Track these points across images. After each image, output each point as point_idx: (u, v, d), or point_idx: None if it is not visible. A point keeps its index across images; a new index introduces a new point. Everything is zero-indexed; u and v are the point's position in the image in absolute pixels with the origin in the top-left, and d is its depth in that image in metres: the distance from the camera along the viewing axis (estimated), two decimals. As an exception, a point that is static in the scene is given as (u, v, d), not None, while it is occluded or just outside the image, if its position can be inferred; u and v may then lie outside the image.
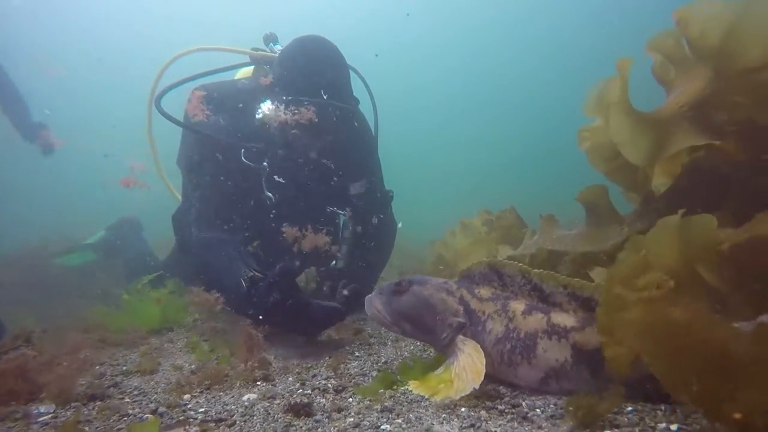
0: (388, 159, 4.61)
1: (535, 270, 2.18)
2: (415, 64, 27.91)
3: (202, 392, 2.26)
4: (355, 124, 4.20)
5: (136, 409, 2.02)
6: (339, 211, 4.14)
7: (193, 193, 3.84)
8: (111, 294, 4.89)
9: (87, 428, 1.81)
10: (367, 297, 2.42)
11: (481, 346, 2.11)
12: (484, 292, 2.26)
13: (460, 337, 2.18)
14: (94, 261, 5.75)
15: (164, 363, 2.82)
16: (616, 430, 1.63)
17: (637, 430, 1.62)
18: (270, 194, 3.74)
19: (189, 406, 2.07)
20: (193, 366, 2.73)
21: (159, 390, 2.29)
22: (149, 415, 1.96)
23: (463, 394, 1.93)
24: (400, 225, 4.68)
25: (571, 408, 1.68)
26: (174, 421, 1.80)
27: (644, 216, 3.05)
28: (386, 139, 4.60)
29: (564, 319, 2.05)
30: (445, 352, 2.26)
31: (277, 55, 4.21)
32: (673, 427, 1.60)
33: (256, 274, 2.95)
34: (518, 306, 2.14)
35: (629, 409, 1.83)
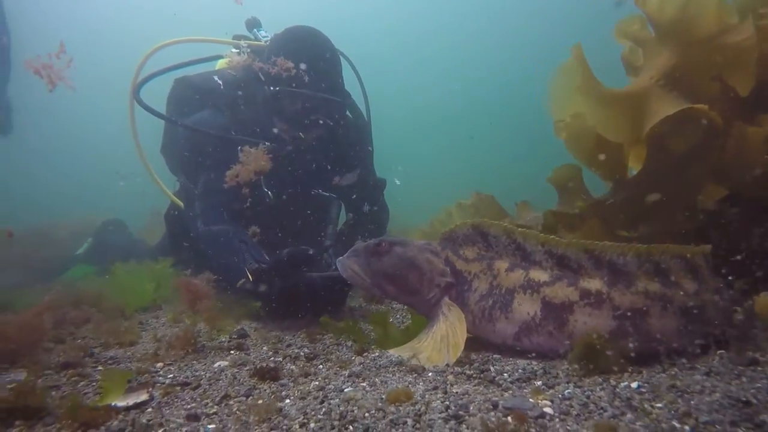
0: (380, 146, 4.64)
1: (519, 229, 2.20)
2: (402, 55, 27.80)
3: (175, 361, 2.27)
4: (348, 115, 4.20)
5: (106, 375, 2.03)
6: (324, 193, 4.16)
7: (194, 187, 3.86)
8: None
9: (54, 393, 1.82)
10: (339, 259, 2.40)
11: (465, 304, 2.16)
12: (469, 252, 2.27)
13: (446, 299, 2.20)
14: (94, 271, 5.74)
15: (145, 336, 2.84)
16: (578, 389, 1.61)
17: (598, 389, 1.60)
18: (268, 191, 3.75)
19: (159, 373, 2.07)
20: (171, 337, 2.74)
21: (134, 360, 2.31)
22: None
23: (435, 366, 1.94)
24: (398, 182, 4.72)
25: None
26: (137, 383, 1.81)
27: (614, 196, 3.09)
28: (382, 126, 4.59)
29: (539, 274, 2.08)
30: (428, 314, 2.26)
31: (262, 42, 4.18)
32: (634, 384, 1.58)
33: (260, 265, 2.96)
34: (502, 264, 2.18)
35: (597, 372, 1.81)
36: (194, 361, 2.26)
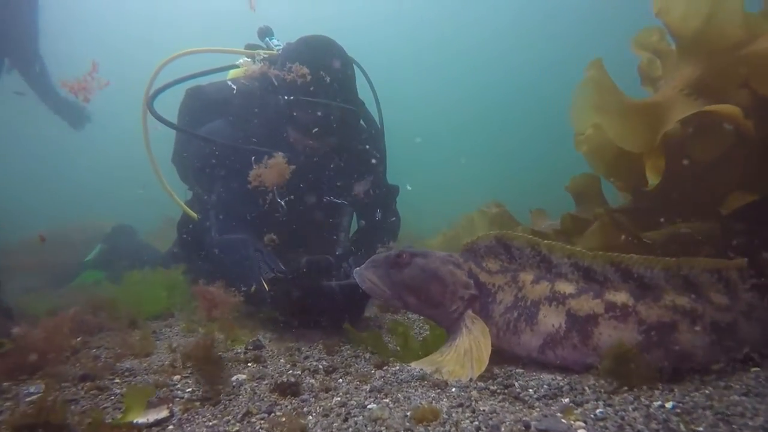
0: (393, 155, 4.65)
1: (544, 241, 2.17)
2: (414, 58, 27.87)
3: (192, 373, 2.24)
4: (361, 123, 4.18)
5: (124, 389, 2.00)
6: (336, 200, 4.14)
7: (208, 197, 3.85)
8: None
9: (73, 407, 1.80)
10: (356, 270, 2.36)
11: (489, 317, 2.13)
12: (492, 264, 2.24)
13: (470, 312, 2.16)
14: (103, 277, 5.75)
15: (160, 346, 2.81)
16: (610, 408, 1.57)
17: (631, 408, 1.55)
18: (281, 201, 3.73)
19: (177, 386, 2.05)
20: (187, 348, 2.71)
21: (150, 371, 2.28)
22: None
23: (458, 380, 1.90)
24: (409, 188, 4.72)
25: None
26: (156, 399, 1.78)
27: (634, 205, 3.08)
28: (396, 135, 4.58)
29: (565, 287, 2.05)
30: (450, 327, 2.22)
31: (275, 51, 4.17)
32: (668, 404, 1.53)
33: (277, 274, 2.93)
34: (527, 277, 2.15)
35: (625, 389, 1.76)
36: (211, 374, 2.23)
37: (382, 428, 1.45)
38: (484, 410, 1.60)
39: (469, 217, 5.08)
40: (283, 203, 3.72)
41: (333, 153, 3.85)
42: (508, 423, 1.43)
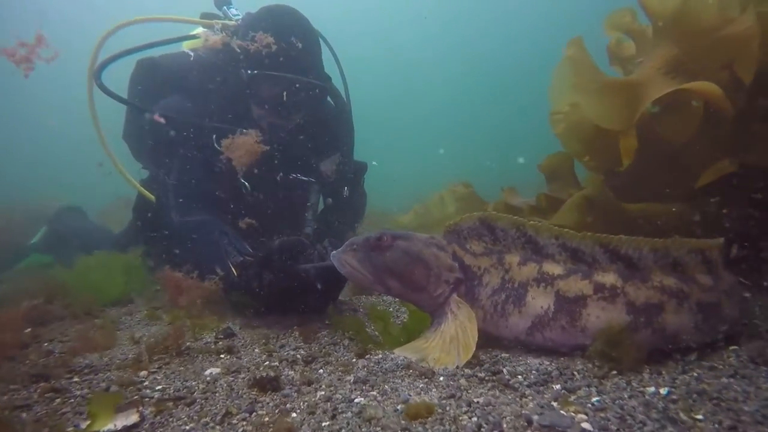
0: (360, 131, 4.52)
1: (530, 222, 2.12)
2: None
3: (160, 368, 2.08)
4: (328, 99, 4.00)
5: (85, 390, 1.83)
6: (303, 178, 3.98)
7: (167, 177, 3.58)
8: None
9: (25, 414, 1.62)
10: (334, 253, 2.23)
11: (476, 300, 2.07)
12: (476, 247, 2.17)
13: (455, 297, 2.09)
14: (51, 262, 5.34)
15: (121, 336, 2.62)
16: (604, 396, 1.54)
17: (626, 395, 1.53)
18: (245, 182, 3.52)
19: (145, 384, 1.89)
20: (152, 340, 2.54)
21: (112, 367, 2.10)
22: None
23: (445, 368, 1.84)
24: (375, 164, 4.63)
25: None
26: (126, 402, 1.62)
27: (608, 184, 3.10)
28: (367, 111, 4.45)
29: (553, 268, 2.02)
30: (434, 312, 2.14)
31: (234, 21, 3.88)
32: (663, 390, 1.52)
33: (246, 258, 2.76)
34: (514, 258, 2.09)
35: (614, 372, 1.75)
36: (181, 368, 2.09)
37: (378, 428, 1.37)
38: (478, 402, 1.54)
39: (439, 195, 5.06)
40: (247, 184, 3.53)
41: (299, 129, 3.67)
42: (508, 418, 1.38)
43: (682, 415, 1.34)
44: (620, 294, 1.91)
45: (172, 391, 1.80)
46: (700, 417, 1.32)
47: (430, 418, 1.42)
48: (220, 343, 2.41)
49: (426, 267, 2.11)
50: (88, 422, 1.46)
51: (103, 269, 3.62)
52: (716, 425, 1.26)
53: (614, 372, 1.75)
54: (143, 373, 2.02)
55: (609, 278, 1.94)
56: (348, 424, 1.42)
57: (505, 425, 1.33)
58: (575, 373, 1.80)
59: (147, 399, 1.73)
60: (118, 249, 4.20)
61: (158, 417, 1.57)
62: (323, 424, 1.46)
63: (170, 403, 1.68)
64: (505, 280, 2.05)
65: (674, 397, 1.46)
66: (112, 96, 3.58)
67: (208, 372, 1.99)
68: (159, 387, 1.85)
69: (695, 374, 1.65)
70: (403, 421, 1.40)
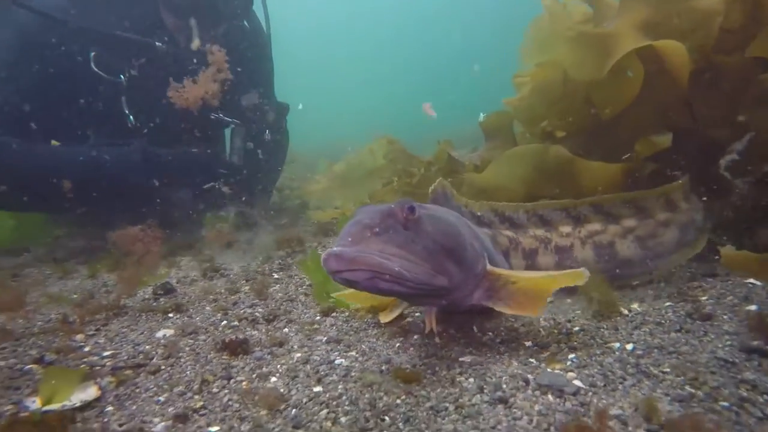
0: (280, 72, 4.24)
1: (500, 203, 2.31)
2: None
3: (98, 330, 1.84)
4: (245, 24, 3.64)
5: (11, 360, 1.57)
6: (226, 119, 3.66)
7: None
8: None
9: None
10: (330, 252, 1.31)
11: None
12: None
13: (489, 267, 1.71)
14: None
15: (33, 293, 2.27)
16: (578, 351, 1.64)
17: (597, 351, 1.63)
18: (129, 114, 3.13)
19: (87, 350, 1.66)
20: (75, 295, 2.23)
21: (41, 331, 1.82)
22: (32, 366, 1.53)
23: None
24: (300, 107, 4.43)
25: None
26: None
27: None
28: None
29: (564, 228, 2.35)
30: (461, 303, 1.66)
31: None
32: (629, 346, 1.65)
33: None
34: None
35: (576, 329, 1.87)
36: (124, 329, 1.86)
37: (381, 393, 1.33)
38: (465, 361, 1.57)
39: (369, 147, 4.97)
40: (131, 116, 3.19)
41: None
42: (505, 378, 1.41)
43: (652, 369, 1.47)
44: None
45: (125, 357, 1.60)
46: (667, 370, 1.46)
47: (425, 381, 1.42)
48: (162, 299, 2.19)
49: (462, 237, 1.62)
50: (36, 399, 1.24)
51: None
52: (682, 378, 1.40)
53: (576, 329, 1.87)
54: (79, 336, 1.78)
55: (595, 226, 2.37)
56: (347, 391, 1.36)
57: (504, 386, 1.37)
58: (540, 330, 1.89)
59: (98, 368, 1.52)
60: None
61: (121, 388, 1.40)
62: (315, 390, 1.39)
63: (129, 371, 1.50)
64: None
65: (639, 352, 1.60)
66: None
67: (160, 334, 1.80)
68: (107, 353, 1.64)
69: (647, 329, 1.82)
70: (402, 385, 1.38)
